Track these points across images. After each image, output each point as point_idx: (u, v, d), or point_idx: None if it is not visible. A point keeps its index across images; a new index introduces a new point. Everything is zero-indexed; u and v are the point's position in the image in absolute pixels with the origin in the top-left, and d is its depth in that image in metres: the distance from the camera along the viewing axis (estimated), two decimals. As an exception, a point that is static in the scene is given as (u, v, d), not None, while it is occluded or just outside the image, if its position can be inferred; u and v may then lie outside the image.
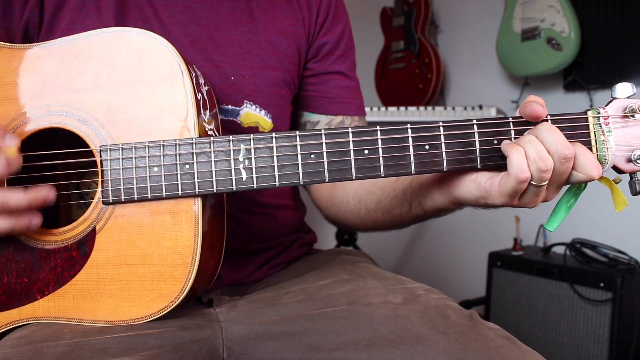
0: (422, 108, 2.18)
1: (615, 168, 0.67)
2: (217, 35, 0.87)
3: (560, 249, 1.91)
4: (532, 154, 0.62)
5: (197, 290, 0.73)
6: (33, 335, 0.68)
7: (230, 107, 0.87)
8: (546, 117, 0.65)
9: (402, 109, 2.15)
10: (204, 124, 0.71)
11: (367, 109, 2.03)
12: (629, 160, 0.65)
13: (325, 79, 0.98)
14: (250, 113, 0.89)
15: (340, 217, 0.94)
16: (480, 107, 2.14)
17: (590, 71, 2.03)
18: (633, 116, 0.65)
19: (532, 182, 0.63)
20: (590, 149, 0.66)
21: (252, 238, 0.92)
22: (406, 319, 0.70)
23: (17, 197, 0.65)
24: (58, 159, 0.72)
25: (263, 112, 0.90)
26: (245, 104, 0.88)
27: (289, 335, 0.72)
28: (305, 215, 1.05)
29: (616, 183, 0.67)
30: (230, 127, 0.87)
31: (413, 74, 2.53)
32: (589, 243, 1.84)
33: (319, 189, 0.99)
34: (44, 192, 0.67)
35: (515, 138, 0.66)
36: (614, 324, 1.65)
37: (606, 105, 0.67)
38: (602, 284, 1.68)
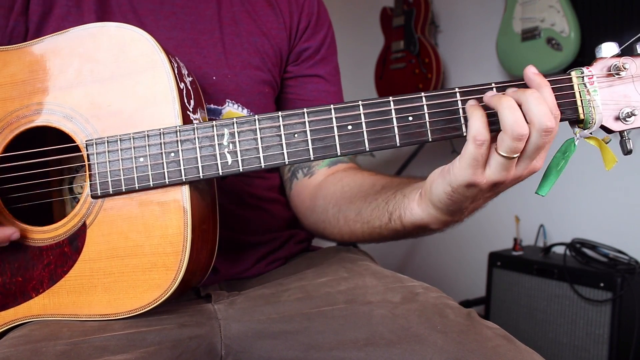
0: (422, 108, 2.18)
1: (604, 128, 0.66)
2: (200, 39, 0.88)
3: (560, 249, 1.91)
4: (509, 120, 0.60)
5: (191, 281, 0.73)
6: (32, 334, 0.68)
7: (212, 106, 0.88)
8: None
9: (402, 109, 2.15)
10: (188, 112, 0.72)
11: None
12: (617, 119, 0.64)
13: (303, 82, 0.99)
14: (233, 112, 0.90)
15: (319, 226, 0.93)
16: (480, 107, 2.14)
17: (590, 71, 2.03)
18: (618, 74, 0.64)
19: (502, 153, 0.61)
20: (577, 108, 0.65)
21: (246, 230, 0.92)
22: (404, 318, 0.70)
23: None
24: (48, 157, 0.73)
25: (245, 110, 0.91)
26: (227, 103, 0.89)
27: (287, 333, 0.72)
28: None
29: (605, 143, 0.66)
30: None
31: (413, 74, 2.53)
32: (589, 243, 1.84)
33: (301, 195, 0.98)
34: (9, 232, 0.69)
35: None
36: (614, 324, 1.65)
37: (590, 65, 0.66)
38: (602, 284, 1.68)
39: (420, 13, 2.49)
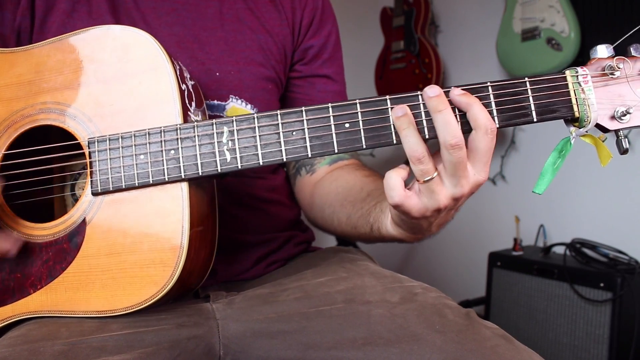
0: (422, 108, 2.18)
1: (600, 127, 0.66)
2: (202, 35, 0.89)
3: (560, 249, 1.91)
4: (407, 148, 0.64)
5: (188, 280, 0.73)
6: (30, 334, 0.68)
7: (216, 102, 0.89)
8: (524, 78, 0.65)
9: (402, 109, 2.15)
10: (189, 113, 0.73)
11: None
12: (613, 118, 0.65)
13: (311, 82, 0.99)
14: (236, 107, 0.90)
15: (318, 222, 0.98)
16: (480, 107, 2.14)
17: (590, 71, 2.03)
18: (612, 74, 0.64)
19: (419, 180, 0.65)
20: (572, 107, 0.65)
21: (244, 230, 0.92)
22: (403, 318, 0.69)
23: None
24: (51, 155, 0.73)
25: (249, 106, 0.91)
26: (230, 99, 0.90)
27: (286, 333, 0.72)
28: (300, 214, 1.06)
29: (602, 141, 0.66)
30: None
31: (413, 74, 2.52)
32: (589, 243, 1.84)
33: (302, 191, 1.01)
34: (7, 247, 0.69)
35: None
36: (614, 324, 1.65)
37: (585, 65, 0.66)
38: (602, 284, 1.68)
39: (420, 13, 2.49)
